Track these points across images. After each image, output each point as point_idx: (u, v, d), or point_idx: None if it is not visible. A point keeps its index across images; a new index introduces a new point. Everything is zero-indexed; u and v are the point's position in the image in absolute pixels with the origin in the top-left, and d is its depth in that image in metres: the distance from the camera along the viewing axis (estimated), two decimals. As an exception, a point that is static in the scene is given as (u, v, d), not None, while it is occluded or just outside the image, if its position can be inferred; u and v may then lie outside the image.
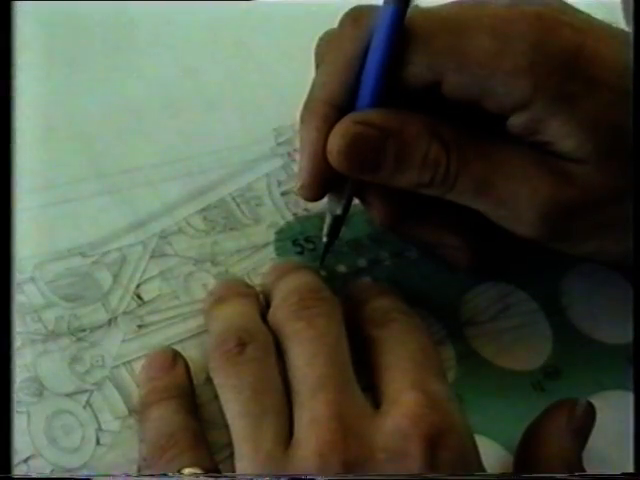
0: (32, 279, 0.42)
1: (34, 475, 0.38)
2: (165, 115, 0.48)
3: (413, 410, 0.36)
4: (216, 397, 0.39)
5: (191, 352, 0.41)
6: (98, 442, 0.39)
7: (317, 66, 0.41)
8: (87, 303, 0.42)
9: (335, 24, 0.41)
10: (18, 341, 0.40)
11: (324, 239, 0.43)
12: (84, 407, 0.40)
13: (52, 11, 0.50)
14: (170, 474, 0.37)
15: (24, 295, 0.41)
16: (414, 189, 0.40)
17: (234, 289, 0.42)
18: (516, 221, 0.39)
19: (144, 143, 0.46)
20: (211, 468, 0.37)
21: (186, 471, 0.37)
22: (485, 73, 0.37)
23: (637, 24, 0.39)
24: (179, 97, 0.48)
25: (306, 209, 0.46)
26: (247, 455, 0.36)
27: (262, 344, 0.39)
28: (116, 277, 0.43)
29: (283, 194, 0.46)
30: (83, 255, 0.43)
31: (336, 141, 0.39)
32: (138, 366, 0.41)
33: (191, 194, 0.45)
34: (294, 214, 0.46)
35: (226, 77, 0.50)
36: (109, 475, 0.39)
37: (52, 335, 0.41)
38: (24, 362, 0.40)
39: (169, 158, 0.46)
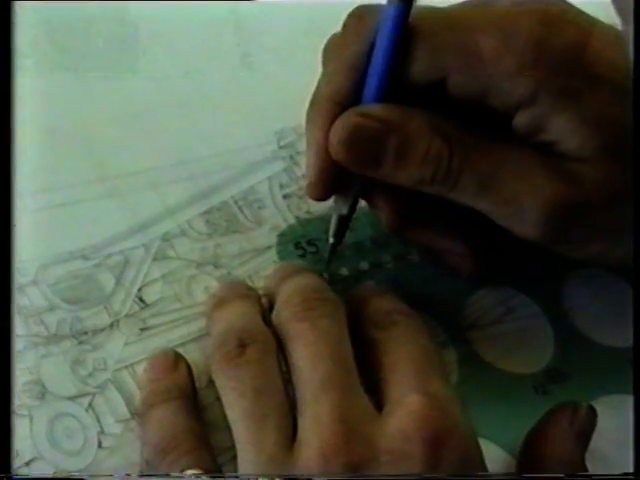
0: (34, 282, 0.42)
1: (34, 475, 0.38)
2: (167, 118, 0.47)
3: (416, 412, 0.36)
4: (218, 399, 0.39)
5: (193, 355, 0.41)
6: (100, 445, 0.39)
7: (324, 66, 0.41)
8: (89, 306, 0.42)
9: (338, 26, 0.41)
10: (20, 344, 0.40)
11: (330, 240, 0.43)
12: (86, 410, 0.40)
13: (53, 12, 0.50)
14: (173, 474, 0.37)
15: (26, 298, 0.41)
16: (416, 186, 0.39)
17: (236, 291, 0.42)
18: (519, 221, 0.39)
19: (146, 146, 0.46)
20: (213, 470, 0.37)
21: (188, 472, 0.37)
22: (489, 71, 0.37)
23: (637, 24, 0.39)
24: (181, 100, 0.48)
25: (308, 212, 0.46)
26: (250, 457, 0.36)
27: (263, 345, 0.39)
28: (118, 280, 0.43)
29: (285, 197, 0.46)
30: (85, 258, 0.43)
31: (337, 132, 0.39)
32: (140, 369, 0.41)
33: (193, 197, 0.45)
34: (296, 217, 0.46)
35: (228, 80, 0.50)
36: (110, 475, 0.39)
37: (54, 338, 0.41)
38: (26, 365, 0.40)
39: (171, 161, 0.46)
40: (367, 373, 0.39)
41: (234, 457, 0.37)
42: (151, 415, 0.39)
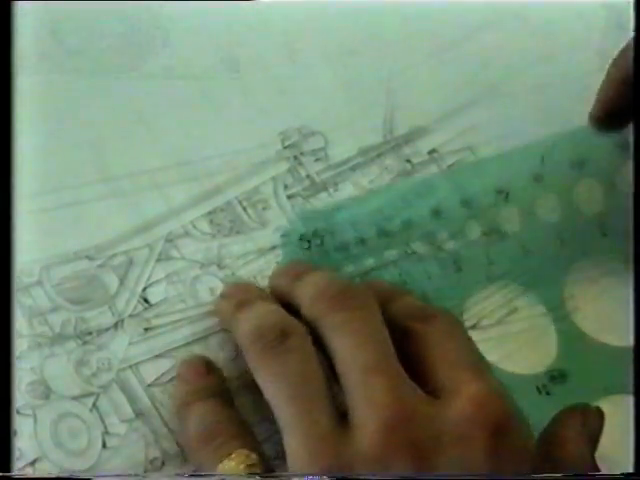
0: (39, 282, 0.42)
1: (34, 475, 0.38)
2: (171, 118, 0.47)
3: (477, 399, 0.36)
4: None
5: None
6: (104, 445, 0.39)
7: None
8: (93, 306, 0.42)
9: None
10: (24, 344, 0.40)
11: None
12: (90, 410, 0.40)
13: (56, 12, 0.50)
14: (184, 474, 0.37)
15: (31, 298, 0.41)
16: None
17: (254, 292, 0.42)
18: None
19: (150, 146, 0.46)
20: (260, 453, 0.37)
21: (233, 455, 0.36)
22: None
23: (637, 24, 0.39)
24: (184, 100, 0.48)
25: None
26: (300, 442, 0.35)
27: (302, 335, 0.38)
28: (122, 280, 0.43)
29: (289, 197, 0.46)
30: (89, 258, 0.43)
31: None
32: (145, 369, 0.41)
33: (197, 197, 0.45)
34: (298, 212, 0.46)
35: (232, 80, 0.49)
36: (112, 475, 0.39)
37: (58, 338, 0.41)
38: (30, 365, 0.40)
39: (175, 161, 0.46)
40: (404, 364, 0.38)
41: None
42: (190, 411, 0.39)
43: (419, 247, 0.46)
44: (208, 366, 0.41)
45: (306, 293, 0.40)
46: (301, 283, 0.41)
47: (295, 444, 0.36)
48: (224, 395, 0.40)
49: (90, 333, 0.41)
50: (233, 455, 0.36)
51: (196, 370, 0.41)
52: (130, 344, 0.41)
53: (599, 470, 0.39)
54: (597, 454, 0.40)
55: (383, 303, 0.41)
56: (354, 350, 0.37)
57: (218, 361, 0.42)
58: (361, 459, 0.34)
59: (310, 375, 0.37)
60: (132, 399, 0.40)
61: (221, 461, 0.36)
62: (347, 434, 0.35)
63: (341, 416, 0.36)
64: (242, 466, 0.36)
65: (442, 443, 0.35)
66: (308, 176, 0.47)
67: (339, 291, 0.39)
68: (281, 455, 0.36)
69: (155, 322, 0.42)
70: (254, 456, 0.37)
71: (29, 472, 0.38)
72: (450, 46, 0.50)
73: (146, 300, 0.42)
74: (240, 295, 0.42)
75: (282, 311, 0.40)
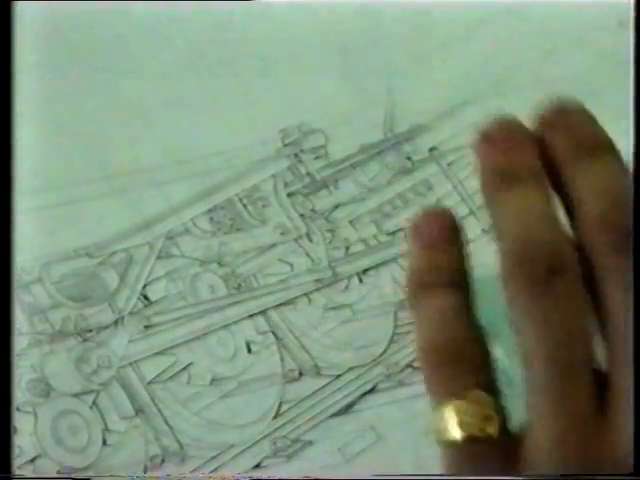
0: (39, 280, 0.42)
1: (34, 475, 0.39)
2: (171, 116, 0.48)
3: None
4: (222, 397, 0.39)
5: (198, 353, 0.41)
6: (105, 442, 0.39)
7: None
8: (94, 303, 0.42)
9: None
10: (25, 342, 0.41)
11: None
12: (90, 407, 0.40)
13: (56, 12, 0.50)
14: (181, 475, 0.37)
15: (31, 296, 0.41)
16: None
17: (526, 167, 0.30)
18: None
19: (151, 144, 0.46)
20: (496, 392, 0.29)
21: (468, 397, 0.29)
22: None
23: (637, 24, 0.38)
24: (185, 98, 0.48)
25: (313, 210, 0.46)
26: (552, 415, 0.28)
27: (575, 276, 0.29)
28: (123, 278, 0.43)
29: (289, 195, 0.46)
30: (89, 255, 0.43)
31: None
32: (145, 366, 0.41)
33: (198, 195, 0.45)
34: (301, 215, 0.46)
35: (233, 78, 0.50)
36: (112, 475, 0.39)
37: (59, 335, 0.41)
38: (31, 362, 0.40)
39: (176, 159, 0.46)
40: None
41: (236, 455, 0.37)
42: (426, 300, 0.30)
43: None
44: (454, 228, 0.30)
45: (589, 204, 0.29)
46: (586, 181, 0.30)
47: (542, 414, 0.28)
48: (466, 284, 0.30)
49: (90, 330, 0.41)
50: (467, 397, 0.29)
51: (437, 230, 0.31)
52: (130, 341, 0.41)
53: None
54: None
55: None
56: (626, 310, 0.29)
57: (218, 360, 0.42)
58: (612, 462, 0.28)
59: (576, 332, 0.29)
60: (132, 396, 0.40)
61: (449, 401, 0.29)
62: (605, 422, 0.28)
63: (600, 383, 0.28)
64: (474, 416, 0.29)
65: None
66: (308, 174, 0.47)
67: (626, 233, 0.29)
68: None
69: (155, 320, 0.42)
70: (493, 404, 0.29)
71: (29, 470, 0.38)
72: (450, 44, 0.50)
73: (146, 297, 0.42)
74: (505, 169, 0.30)
75: (557, 227, 0.30)
